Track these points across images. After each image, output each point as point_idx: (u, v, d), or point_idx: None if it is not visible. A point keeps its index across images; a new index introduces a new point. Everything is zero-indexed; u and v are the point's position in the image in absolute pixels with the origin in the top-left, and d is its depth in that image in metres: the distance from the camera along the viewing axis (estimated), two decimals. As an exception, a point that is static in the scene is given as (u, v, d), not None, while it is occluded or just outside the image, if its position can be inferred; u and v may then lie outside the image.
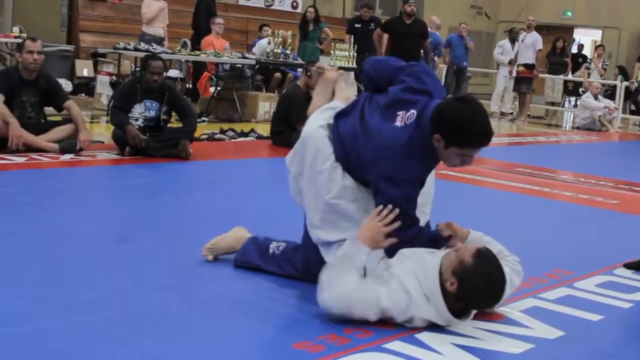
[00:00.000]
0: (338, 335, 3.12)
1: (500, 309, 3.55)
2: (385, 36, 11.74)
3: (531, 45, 15.64)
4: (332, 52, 12.87)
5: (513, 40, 16.71)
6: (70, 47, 13.39)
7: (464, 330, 3.26)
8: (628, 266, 4.56)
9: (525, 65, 15.71)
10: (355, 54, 12.69)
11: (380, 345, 3.05)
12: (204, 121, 10.57)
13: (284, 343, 3.07)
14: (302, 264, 3.78)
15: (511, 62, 16.23)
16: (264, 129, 9.80)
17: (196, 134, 8.01)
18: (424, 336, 3.17)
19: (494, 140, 9.68)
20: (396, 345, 3.06)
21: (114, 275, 3.78)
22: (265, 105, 11.53)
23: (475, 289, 3.19)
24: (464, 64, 16.82)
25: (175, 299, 3.46)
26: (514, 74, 16.19)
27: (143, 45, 10.74)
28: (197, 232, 4.78)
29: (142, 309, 3.32)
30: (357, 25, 13.39)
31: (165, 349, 2.92)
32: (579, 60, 19.26)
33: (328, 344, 3.03)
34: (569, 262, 4.48)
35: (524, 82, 15.84)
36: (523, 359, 3.08)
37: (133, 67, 11.51)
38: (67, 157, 6.88)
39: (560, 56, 17.86)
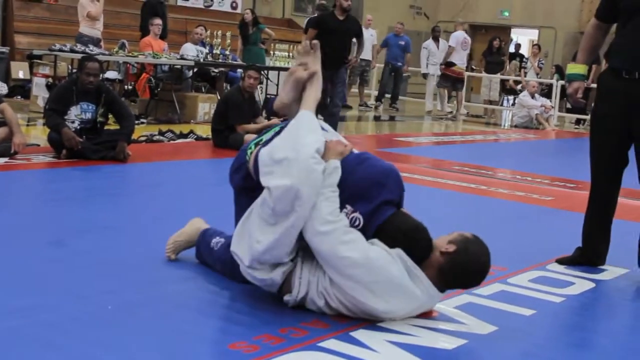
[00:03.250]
0: (273, 335, 3.13)
1: (436, 305, 3.59)
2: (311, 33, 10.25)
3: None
4: (271, 52, 12.87)
5: (437, 39, 17.04)
6: (5, 49, 13.18)
7: (399, 328, 3.31)
8: (560, 261, 4.66)
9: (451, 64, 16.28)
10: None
11: (315, 343, 3.07)
12: (142, 123, 10.48)
13: (219, 344, 3.08)
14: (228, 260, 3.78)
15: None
16: (204, 130, 9.77)
17: (135, 136, 7.95)
18: (359, 334, 3.20)
19: (431, 139, 9.57)
20: (331, 343, 3.08)
21: (49, 279, 3.74)
22: (205, 106, 11.47)
23: (473, 258, 3.39)
24: (399, 64, 16.99)
25: (111, 303, 3.44)
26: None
27: (79, 47, 10.60)
28: (136, 234, 4.76)
29: (77, 313, 3.29)
30: None
31: (99, 353, 2.89)
32: (515, 59, 19.56)
33: (263, 344, 3.04)
34: (503, 259, 4.53)
35: (459, 81, 16.33)
36: (456, 354, 3.14)
37: (70, 68, 11.36)
38: (2, 160, 6.77)
39: (497, 55, 18.12)
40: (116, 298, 3.51)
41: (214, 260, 3.98)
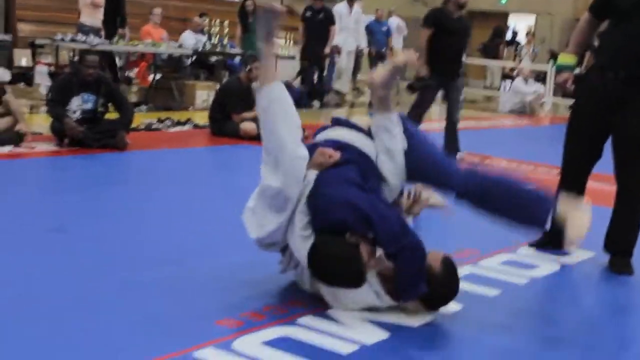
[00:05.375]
0: (257, 312, 3.47)
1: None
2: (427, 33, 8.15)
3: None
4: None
5: None
6: (7, 37, 13.41)
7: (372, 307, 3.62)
8: (531, 244, 4.94)
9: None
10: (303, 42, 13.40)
11: (293, 320, 3.41)
12: (141, 110, 10.73)
13: (208, 320, 3.38)
14: None
15: None
16: (201, 117, 10.04)
17: (134, 124, 8.24)
18: (334, 312, 3.53)
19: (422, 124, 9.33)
20: (308, 319, 3.43)
21: (48, 265, 4.00)
22: (203, 93, 11.71)
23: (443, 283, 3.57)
24: (383, 49, 17.29)
25: (107, 285, 3.74)
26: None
27: (81, 37, 10.86)
28: (134, 220, 5.07)
29: (74, 296, 3.59)
30: (307, 14, 13.58)
31: (94, 331, 3.20)
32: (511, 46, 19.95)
33: (247, 320, 3.37)
34: (476, 241, 4.85)
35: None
36: (420, 330, 3.46)
37: (72, 55, 11.59)
38: (7, 148, 7.08)
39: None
40: (112, 280, 3.81)
41: None
